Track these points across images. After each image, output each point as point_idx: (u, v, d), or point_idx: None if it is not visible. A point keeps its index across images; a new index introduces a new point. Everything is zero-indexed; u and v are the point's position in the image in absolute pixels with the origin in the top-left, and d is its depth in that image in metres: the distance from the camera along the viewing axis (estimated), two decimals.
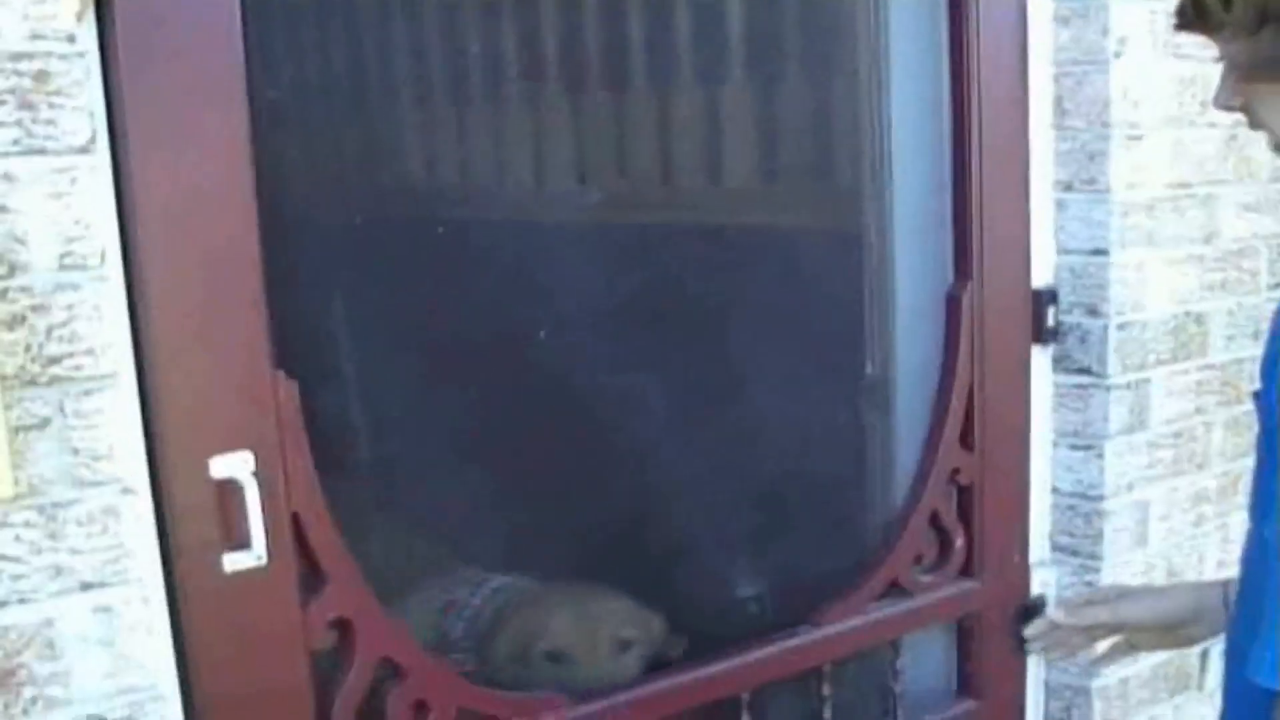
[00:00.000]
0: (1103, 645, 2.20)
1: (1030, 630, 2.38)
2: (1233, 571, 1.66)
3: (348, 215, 1.94)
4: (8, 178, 1.39)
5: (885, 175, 2.41)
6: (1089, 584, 2.53)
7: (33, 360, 1.42)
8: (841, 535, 2.50)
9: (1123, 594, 2.15)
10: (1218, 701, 1.61)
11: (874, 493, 2.54)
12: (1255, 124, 1.44)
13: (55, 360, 1.43)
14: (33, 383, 1.42)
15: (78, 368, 1.45)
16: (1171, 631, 1.99)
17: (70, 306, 1.44)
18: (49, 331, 1.43)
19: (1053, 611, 2.31)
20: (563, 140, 2.33)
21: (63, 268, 1.43)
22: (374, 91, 2.20)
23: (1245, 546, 1.53)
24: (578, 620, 2.22)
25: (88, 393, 1.46)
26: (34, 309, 1.42)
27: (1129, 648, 2.15)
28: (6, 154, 1.39)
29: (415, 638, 1.96)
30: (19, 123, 1.39)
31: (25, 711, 1.47)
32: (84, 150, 1.44)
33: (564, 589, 2.31)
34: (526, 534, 2.35)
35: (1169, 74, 2.44)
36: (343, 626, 1.76)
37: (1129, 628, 2.08)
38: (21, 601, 1.45)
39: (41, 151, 1.41)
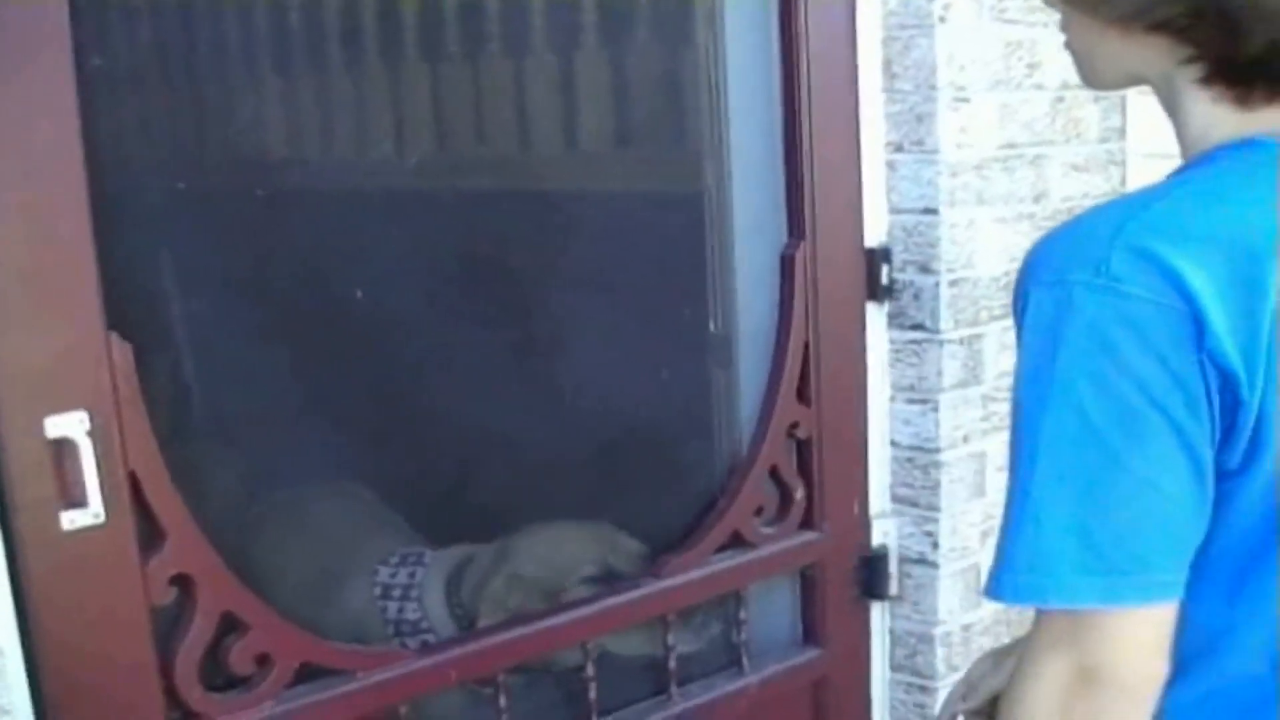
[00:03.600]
0: None
1: None
2: None
3: (176, 181, 1.97)
4: None
5: (722, 137, 2.46)
6: (928, 534, 2.62)
7: None
8: (685, 489, 2.56)
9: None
10: None
11: (717, 447, 2.60)
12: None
13: None
14: None
15: None
16: None
17: None
18: None
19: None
20: (388, 108, 2.37)
21: None
22: (200, 59, 2.22)
23: None
24: (605, 544, 2.34)
25: None
26: None
27: None
28: None
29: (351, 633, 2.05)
30: None
31: None
32: None
33: (548, 530, 2.39)
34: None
35: (995, 37, 2.52)
36: (183, 582, 1.79)
37: None
38: None
39: None
